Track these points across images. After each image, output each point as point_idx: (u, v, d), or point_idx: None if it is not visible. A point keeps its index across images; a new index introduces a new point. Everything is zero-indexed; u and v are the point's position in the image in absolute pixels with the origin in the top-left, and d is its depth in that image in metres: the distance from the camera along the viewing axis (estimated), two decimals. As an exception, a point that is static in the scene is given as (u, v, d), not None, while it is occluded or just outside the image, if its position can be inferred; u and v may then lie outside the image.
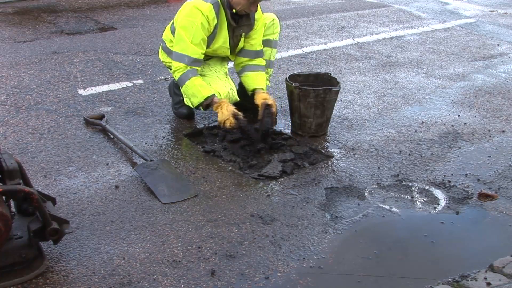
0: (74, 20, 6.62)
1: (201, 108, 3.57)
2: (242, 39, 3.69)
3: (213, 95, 3.48)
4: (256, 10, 3.57)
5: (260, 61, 3.77)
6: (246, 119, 3.46)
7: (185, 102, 3.86)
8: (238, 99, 3.76)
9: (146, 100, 4.24)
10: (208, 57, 3.73)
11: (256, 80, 3.71)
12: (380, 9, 7.68)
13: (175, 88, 3.92)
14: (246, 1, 3.40)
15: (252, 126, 3.49)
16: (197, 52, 3.47)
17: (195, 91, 3.48)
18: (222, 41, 3.59)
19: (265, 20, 3.78)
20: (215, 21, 3.47)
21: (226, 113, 3.40)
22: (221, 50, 3.65)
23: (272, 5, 7.65)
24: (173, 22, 3.71)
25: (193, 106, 3.60)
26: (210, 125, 3.83)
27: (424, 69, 5.16)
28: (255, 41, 3.72)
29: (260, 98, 3.57)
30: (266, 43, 3.84)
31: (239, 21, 3.57)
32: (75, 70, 4.83)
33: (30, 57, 5.17)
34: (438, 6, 8.06)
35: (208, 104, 3.48)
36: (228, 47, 3.64)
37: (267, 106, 3.50)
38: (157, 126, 3.81)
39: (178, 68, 3.51)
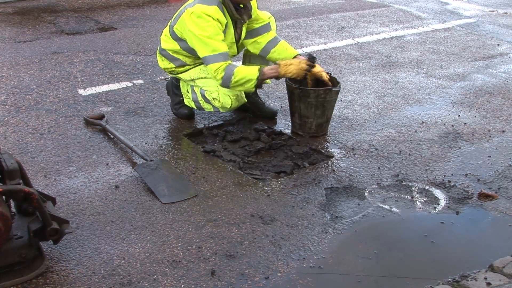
0: (74, 20, 6.62)
1: (259, 88, 3.56)
2: (244, 28, 3.70)
3: (262, 68, 3.46)
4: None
5: (271, 34, 3.80)
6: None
7: (186, 103, 3.86)
8: (246, 100, 3.75)
9: (146, 100, 4.24)
10: None
11: (287, 51, 3.75)
12: (380, 9, 7.68)
13: (174, 88, 3.91)
14: None
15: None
16: (226, 47, 3.45)
17: (245, 75, 3.41)
18: (230, 38, 3.59)
19: (262, 18, 3.79)
20: (225, 20, 3.48)
21: (294, 64, 3.44)
22: (229, 47, 3.64)
23: (272, 5, 7.65)
24: (173, 30, 3.62)
25: (251, 90, 3.53)
26: (210, 125, 3.83)
27: (424, 69, 5.16)
28: (257, 19, 3.74)
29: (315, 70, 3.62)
30: (268, 27, 3.84)
31: (240, 12, 3.58)
32: (75, 70, 4.83)
33: (30, 57, 5.17)
34: (438, 6, 8.06)
35: (263, 79, 3.47)
36: (234, 41, 3.65)
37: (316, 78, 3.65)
38: (157, 126, 3.81)
39: (217, 70, 3.41)
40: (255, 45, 3.79)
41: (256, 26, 3.76)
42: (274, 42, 3.77)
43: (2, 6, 7.22)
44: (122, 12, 7.10)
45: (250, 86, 3.45)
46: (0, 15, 6.79)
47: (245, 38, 3.76)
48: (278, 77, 3.53)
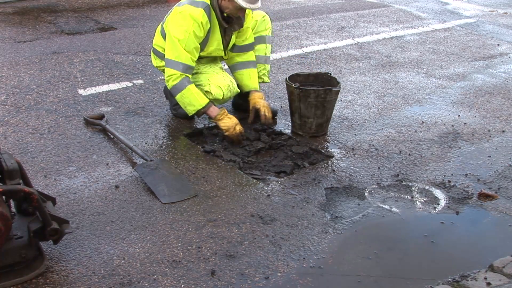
0: (74, 20, 6.62)
1: (196, 116, 3.62)
2: (233, 36, 3.71)
3: (210, 103, 3.52)
4: (244, 15, 3.57)
5: (250, 55, 3.81)
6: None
7: (182, 109, 3.86)
8: (239, 90, 3.76)
9: (146, 100, 4.24)
10: (199, 58, 3.72)
11: (249, 81, 3.79)
12: (380, 9, 7.68)
13: None
14: (233, 7, 3.42)
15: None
16: (191, 59, 3.47)
17: (192, 99, 3.49)
18: (216, 43, 3.61)
19: (256, 18, 3.79)
20: (208, 25, 3.48)
21: (233, 119, 3.50)
22: (215, 52, 3.67)
23: (272, 5, 7.65)
24: (163, 26, 3.68)
25: (188, 114, 3.61)
26: (210, 125, 3.83)
27: (424, 69, 5.16)
28: (245, 36, 3.75)
29: (251, 102, 3.73)
30: (260, 39, 3.85)
31: (230, 21, 3.57)
32: (75, 70, 4.83)
33: (30, 57, 5.17)
34: (438, 6, 8.06)
35: (204, 112, 3.53)
36: (222, 48, 3.67)
37: (256, 110, 3.68)
38: (157, 126, 3.81)
39: (172, 76, 3.48)
40: (230, 59, 3.84)
41: (239, 44, 3.78)
42: (246, 65, 3.79)
43: (2, 6, 7.22)
44: (122, 12, 7.10)
45: (189, 110, 3.55)
46: (0, 15, 6.79)
47: (230, 49, 3.79)
48: (211, 118, 3.58)
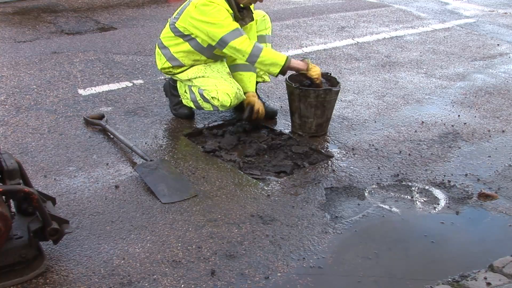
0: (74, 20, 6.62)
1: (281, 75, 3.57)
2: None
3: (289, 58, 3.50)
4: (262, 0, 3.60)
5: None
6: None
7: (184, 103, 3.86)
8: (245, 97, 3.76)
9: (146, 100, 4.24)
10: (205, 59, 3.72)
11: (248, 83, 3.79)
12: (380, 9, 7.68)
13: (172, 89, 3.91)
14: None
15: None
16: (239, 26, 3.47)
17: (273, 59, 3.45)
18: None
19: (256, 17, 3.80)
20: (231, 11, 3.50)
21: (317, 67, 3.55)
22: None
23: (272, 5, 7.65)
24: (175, 25, 3.61)
25: (274, 75, 3.55)
26: (210, 125, 3.83)
27: (424, 69, 5.16)
28: (249, 35, 3.74)
29: (246, 100, 3.73)
30: (260, 38, 3.85)
31: (242, 14, 3.58)
32: (75, 70, 4.83)
33: (30, 57, 5.17)
34: (438, 6, 8.06)
35: (288, 67, 3.49)
36: None
37: (251, 107, 3.69)
38: (157, 126, 3.81)
39: (243, 42, 3.41)
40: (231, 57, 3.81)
41: None
42: (248, 67, 3.77)
43: (2, 6, 7.22)
44: (122, 12, 7.10)
45: (274, 70, 3.50)
46: (0, 15, 6.79)
47: None
48: (299, 71, 3.58)
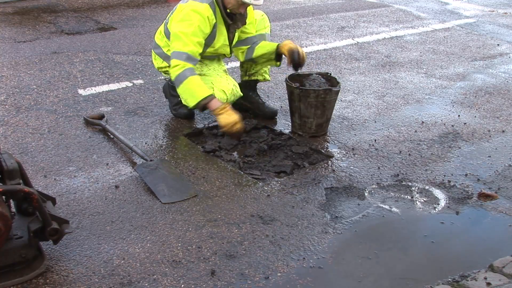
0: (74, 20, 6.62)
1: (197, 110, 3.54)
2: (237, 34, 3.72)
3: (212, 96, 3.38)
4: (245, 11, 3.57)
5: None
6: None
7: (183, 103, 3.85)
8: (242, 94, 3.76)
9: (146, 100, 4.24)
10: (203, 57, 3.71)
11: (269, 45, 3.73)
12: (380, 9, 7.67)
13: (171, 89, 3.90)
14: (236, 2, 3.43)
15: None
16: (195, 50, 3.43)
17: (193, 91, 3.38)
18: (223, 39, 3.61)
19: (256, 16, 3.80)
20: (214, 20, 3.48)
21: (234, 117, 3.33)
22: (222, 48, 3.66)
23: (272, 5, 7.65)
24: (166, 27, 3.66)
25: (189, 106, 3.49)
26: (210, 125, 3.83)
27: (424, 69, 5.16)
28: (249, 30, 3.75)
29: (284, 48, 3.63)
30: (260, 37, 3.85)
31: (233, 17, 3.58)
32: (75, 70, 4.83)
33: (30, 57, 5.17)
34: (438, 6, 8.06)
35: (205, 105, 3.37)
36: (228, 44, 3.67)
37: (292, 52, 3.58)
38: (157, 126, 3.81)
39: (176, 66, 3.40)
40: (239, 50, 3.81)
41: (243, 37, 3.78)
42: (257, 42, 3.76)
43: (2, 6, 7.22)
44: (122, 12, 7.10)
45: (190, 102, 3.41)
46: (0, 15, 6.79)
47: (236, 44, 3.79)
48: (210, 111, 3.42)
